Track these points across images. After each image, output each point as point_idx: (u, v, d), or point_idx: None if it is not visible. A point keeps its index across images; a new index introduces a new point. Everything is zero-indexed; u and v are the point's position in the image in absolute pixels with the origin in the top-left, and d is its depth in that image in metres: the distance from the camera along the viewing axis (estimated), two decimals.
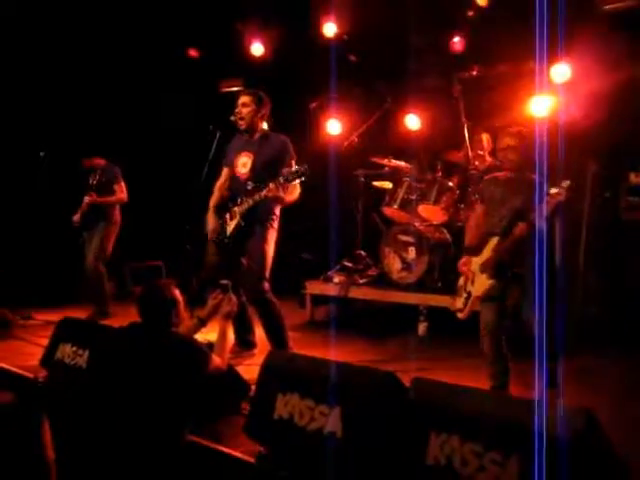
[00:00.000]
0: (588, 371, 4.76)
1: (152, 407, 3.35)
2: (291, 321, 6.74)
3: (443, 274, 6.23)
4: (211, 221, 5.04)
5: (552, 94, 5.93)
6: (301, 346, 5.11)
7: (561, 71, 5.93)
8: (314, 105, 7.98)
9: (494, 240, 4.17)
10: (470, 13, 6.56)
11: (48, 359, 4.60)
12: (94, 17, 7.51)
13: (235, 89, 8.06)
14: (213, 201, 5.12)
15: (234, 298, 4.00)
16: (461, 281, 4.37)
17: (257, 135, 5.00)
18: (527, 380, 3.73)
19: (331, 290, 6.71)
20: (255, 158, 4.92)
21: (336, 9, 7.28)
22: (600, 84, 5.59)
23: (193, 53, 8.33)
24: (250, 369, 4.16)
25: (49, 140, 7.30)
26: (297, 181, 4.64)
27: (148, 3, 7.45)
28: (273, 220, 4.97)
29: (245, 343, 5.25)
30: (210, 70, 8.30)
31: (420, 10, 6.67)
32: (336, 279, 6.79)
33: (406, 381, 2.92)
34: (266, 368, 3.46)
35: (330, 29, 7.40)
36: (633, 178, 6.07)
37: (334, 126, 7.74)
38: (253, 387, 3.57)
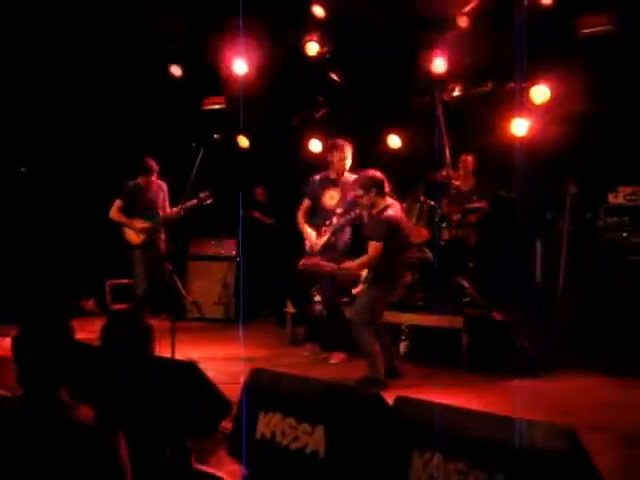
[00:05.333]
0: (564, 390, 4.78)
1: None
2: (271, 340, 6.76)
3: (425, 293, 6.24)
4: None
5: (531, 115, 5.99)
6: (281, 364, 5.09)
7: (540, 92, 6.00)
8: (295, 122, 7.97)
9: None
10: (452, 34, 6.62)
11: None
12: (78, 38, 7.54)
13: (217, 106, 8.06)
14: None
15: None
16: None
17: None
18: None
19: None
20: None
21: (319, 28, 7.32)
22: (578, 106, 5.66)
23: (176, 71, 8.31)
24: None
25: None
26: None
27: (132, 21, 7.45)
28: None
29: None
30: (193, 88, 8.29)
31: (402, 31, 6.74)
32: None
33: (388, 399, 2.91)
34: (248, 386, 3.43)
35: (313, 48, 7.42)
36: (612, 199, 6.13)
37: (315, 145, 7.73)
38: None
